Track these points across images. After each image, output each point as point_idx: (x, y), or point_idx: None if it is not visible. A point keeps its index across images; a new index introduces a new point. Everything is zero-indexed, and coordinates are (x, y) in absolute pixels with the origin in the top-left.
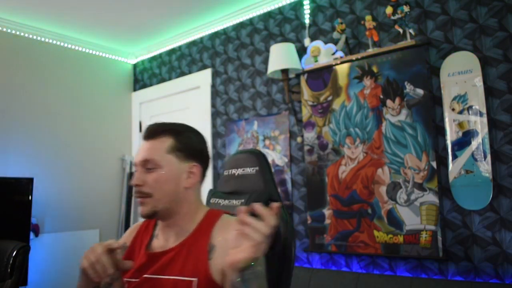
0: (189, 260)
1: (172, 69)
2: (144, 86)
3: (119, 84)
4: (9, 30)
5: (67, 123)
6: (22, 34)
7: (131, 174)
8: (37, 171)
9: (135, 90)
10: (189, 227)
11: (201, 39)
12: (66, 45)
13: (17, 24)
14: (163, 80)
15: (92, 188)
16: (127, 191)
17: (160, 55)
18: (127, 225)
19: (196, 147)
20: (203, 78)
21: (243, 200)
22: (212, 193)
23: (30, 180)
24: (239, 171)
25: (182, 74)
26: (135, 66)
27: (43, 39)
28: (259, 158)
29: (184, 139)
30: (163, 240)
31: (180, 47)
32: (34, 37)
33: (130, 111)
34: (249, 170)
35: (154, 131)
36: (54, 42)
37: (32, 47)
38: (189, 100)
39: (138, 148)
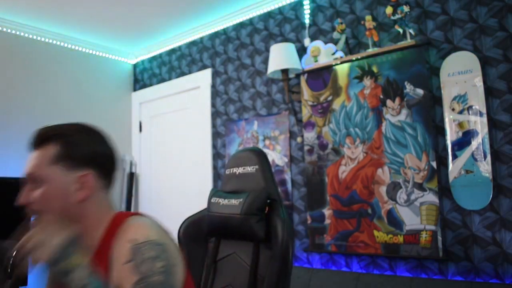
0: None
1: (172, 69)
2: (144, 86)
3: (119, 84)
4: (9, 30)
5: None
6: (22, 34)
7: (131, 174)
8: None
9: (135, 90)
10: (94, 242)
11: (201, 39)
12: (66, 45)
13: (17, 24)
14: (163, 80)
15: None
16: (127, 191)
17: (160, 55)
18: None
19: (88, 151)
20: (203, 78)
21: (241, 199)
22: (213, 193)
23: None
24: (240, 169)
25: (182, 74)
26: (135, 66)
27: (43, 39)
28: (259, 156)
29: (71, 144)
30: None
31: (180, 47)
32: (34, 37)
33: (130, 111)
34: (249, 169)
35: (38, 138)
36: (54, 42)
37: (32, 47)
38: (189, 100)
39: (138, 148)
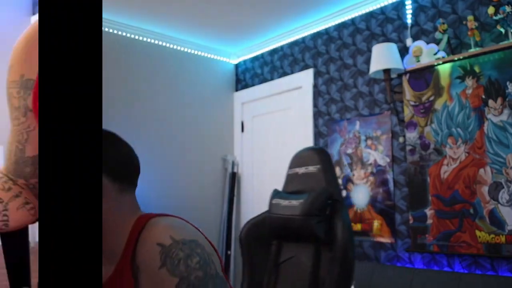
0: None
1: (274, 69)
2: (246, 86)
3: (221, 84)
4: (110, 30)
5: (169, 122)
6: (124, 34)
7: (233, 174)
8: None
9: (237, 90)
10: (118, 249)
11: (303, 39)
12: (167, 45)
13: (122, 25)
14: (265, 80)
15: (194, 186)
16: (229, 191)
17: (262, 55)
18: (229, 224)
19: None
20: (305, 78)
21: (302, 200)
22: (274, 194)
23: None
24: (302, 169)
25: (284, 74)
26: (237, 66)
27: (144, 39)
28: (322, 155)
29: None
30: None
31: (282, 47)
32: (136, 37)
33: (232, 111)
34: (311, 169)
35: None
36: (155, 42)
37: (133, 47)
38: (291, 100)
39: (240, 148)
